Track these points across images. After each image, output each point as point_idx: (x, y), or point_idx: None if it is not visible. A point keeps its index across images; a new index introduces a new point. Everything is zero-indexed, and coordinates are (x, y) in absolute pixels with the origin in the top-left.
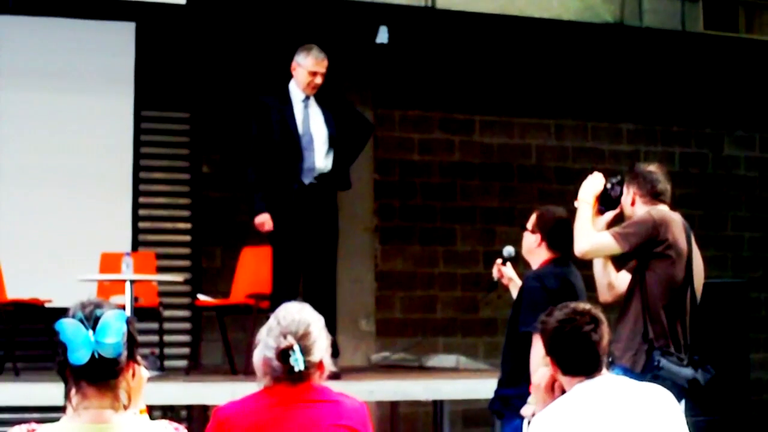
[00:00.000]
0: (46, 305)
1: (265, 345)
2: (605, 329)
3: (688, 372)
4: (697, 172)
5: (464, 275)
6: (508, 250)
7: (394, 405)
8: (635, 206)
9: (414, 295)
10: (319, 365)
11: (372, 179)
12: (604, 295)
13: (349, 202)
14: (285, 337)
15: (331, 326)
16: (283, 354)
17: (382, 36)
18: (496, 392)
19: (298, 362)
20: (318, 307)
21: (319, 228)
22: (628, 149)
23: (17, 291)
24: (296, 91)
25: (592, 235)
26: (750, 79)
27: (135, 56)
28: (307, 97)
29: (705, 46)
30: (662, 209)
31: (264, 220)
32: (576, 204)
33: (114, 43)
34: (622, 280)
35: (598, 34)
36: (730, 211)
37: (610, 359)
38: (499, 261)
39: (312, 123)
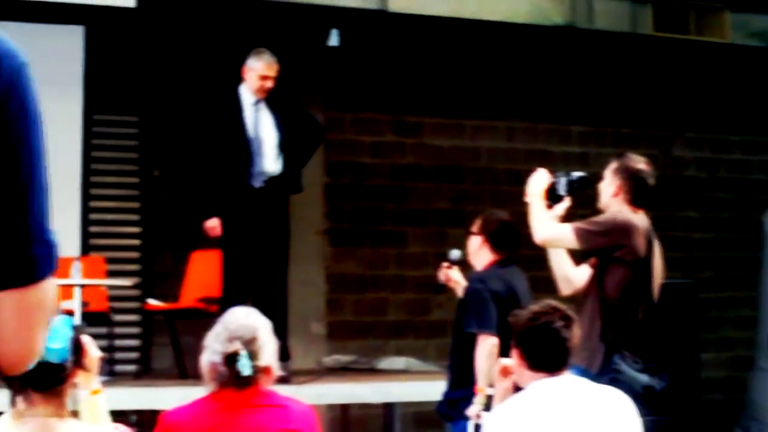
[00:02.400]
0: None
1: (212, 350)
2: (576, 329)
3: (644, 378)
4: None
5: (415, 278)
6: (455, 253)
7: (345, 408)
8: (615, 199)
9: (365, 297)
10: (267, 370)
11: (323, 182)
12: (563, 289)
13: (299, 206)
14: (232, 342)
15: (282, 330)
16: (230, 359)
17: (334, 39)
18: (444, 395)
19: (244, 367)
20: (268, 311)
21: (270, 231)
22: (579, 151)
23: None
24: (247, 95)
25: (552, 225)
26: (700, 80)
27: (84, 60)
28: (258, 101)
29: (655, 48)
30: (628, 214)
31: (213, 225)
32: (527, 200)
33: (63, 47)
34: (582, 274)
35: (549, 37)
36: (680, 212)
37: None
38: (445, 264)
39: (262, 127)
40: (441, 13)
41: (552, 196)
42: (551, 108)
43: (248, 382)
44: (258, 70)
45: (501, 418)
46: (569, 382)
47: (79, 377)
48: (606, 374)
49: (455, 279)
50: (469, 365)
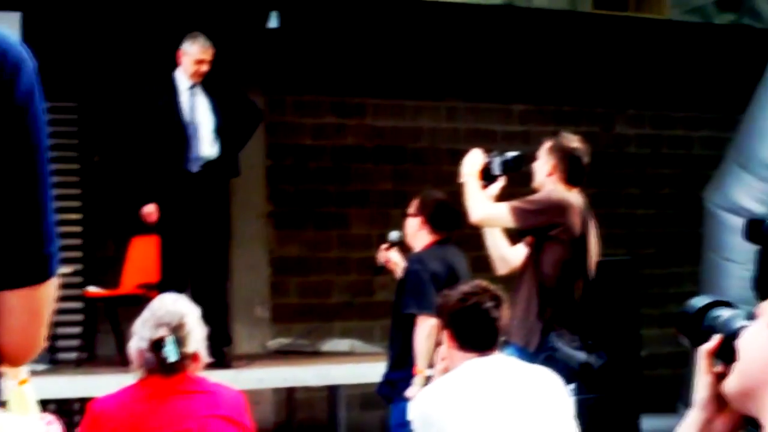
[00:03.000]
0: None
1: (139, 336)
2: (505, 309)
3: (581, 356)
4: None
5: (359, 259)
6: (394, 234)
7: (290, 391)
8: (550, 178)
9: (309, 280)
10: (195, 357)
11: (265, 165)
12: (499, 268)
13: (241, 189)
14: (158, 328)
15: (223, 314)
16: (156, 345)
17: (273, 21)
18: (384, 376)
19: (171, 353)
20: (208, 296)
21: (208, 216)
22: (520, 130)
23: None
24: (182, 79)
25: (488, 205)
26: (640, 57)
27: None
28: (194, 85)
29: (595, 25)
30: (563, 192)
31: (150, 211)
32: (462, 180)
33: None
34: (518, 253)
35: (488, 16)
36: (623, 189)
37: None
38: (384, 246)
39: (198, 111)
40: None
41: (487, 176)
42: (492, 87)
43: (175, 368)
44: (193, 54)
45: (430, 398)
46: (499, 361)
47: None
48: (543, 352)
49: (394, 260)
50: (408, 346)
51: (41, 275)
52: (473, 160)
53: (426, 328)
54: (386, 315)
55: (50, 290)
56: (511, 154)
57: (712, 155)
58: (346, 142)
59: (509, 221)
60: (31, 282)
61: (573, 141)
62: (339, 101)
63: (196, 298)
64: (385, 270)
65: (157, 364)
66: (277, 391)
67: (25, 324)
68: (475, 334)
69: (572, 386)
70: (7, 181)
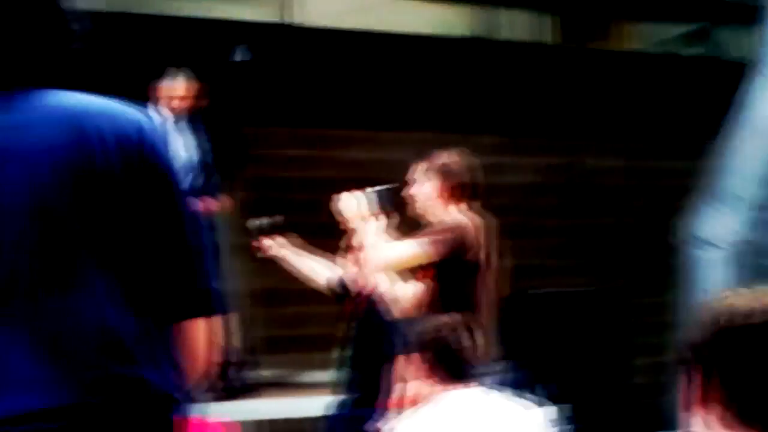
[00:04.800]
0: None
1: None
2: (480, 340)
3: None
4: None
5: None
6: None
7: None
8: (438, 201)
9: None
10: None
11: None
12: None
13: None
14: None
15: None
16: None
17: (240, 54)
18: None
19: None
20: None
21: None
22: (492, 162)
23: None
24: (161, 115)
25: (391, 246)
26: (607, 89)
27: None
28: (174, 120)
29: (562, 57)
30: (456, 215)
31: None
32: (349, 227)
33: None
34: (407, 291)
35: (456, 48)
36: (594, 220)
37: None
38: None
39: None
40: (348, 26)
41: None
42: (462, 119)
43: None
44: (170, 90)
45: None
46: (476, 393)
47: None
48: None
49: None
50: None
51: (223, 308)
52: (347, 203)
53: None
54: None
55: (218, 323)
56: (382, 186)
57: (681, 186)
58: (319, 174)
59: (423, 257)
60: (218, 313)
61: (449, 157)
62: (305, 132)
63: None
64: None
65: None
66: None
67: (206, 348)
68: (450, 366)
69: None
70: (164, 231)
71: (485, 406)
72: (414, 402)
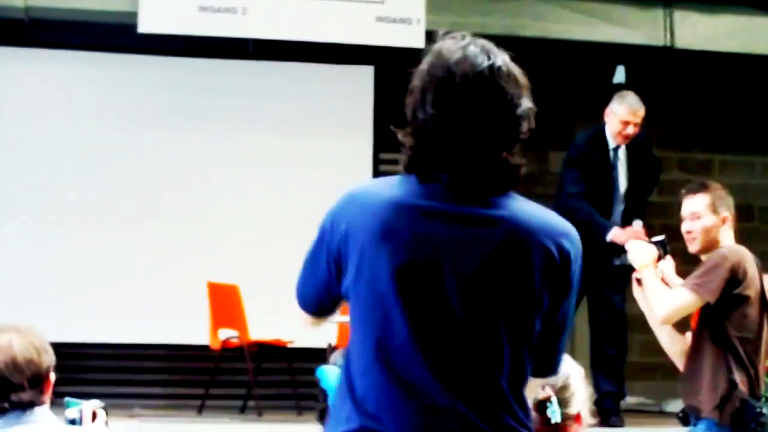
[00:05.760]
0: (289, 345)
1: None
2: None
3: None
4: None
5: None
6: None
7: None
8: (721, 231)
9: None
10: (576, 417)
11: None
12: (679, 364)
13: None
14: (543, 388)
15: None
16: (540, 405)
17: (620, 75)
18: None
19: (554, 414)
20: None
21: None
22: None
23: (260, 332)
24: (609, 138)
25: (669, 297)
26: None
27: (374, 99)
28: (617, 147)
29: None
30: (730, 242)
31: None
32: (638, 276)
33: (353, 87)
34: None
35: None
36: None
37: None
38: None
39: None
40: (730, 49)
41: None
42: None
43: (557, 429)
44: (620, 115)
45: None
46: None
47: None
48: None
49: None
50: None
51: (548, 374)
52: (644, 249)
53: None
54: None
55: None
56: (658, 237)
57: None
58: None
59: (697, 301)
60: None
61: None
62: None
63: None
64: None
65: (540, 424)
66: None
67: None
68: None
69: None
70: (550, 321)
71: None
72: None
